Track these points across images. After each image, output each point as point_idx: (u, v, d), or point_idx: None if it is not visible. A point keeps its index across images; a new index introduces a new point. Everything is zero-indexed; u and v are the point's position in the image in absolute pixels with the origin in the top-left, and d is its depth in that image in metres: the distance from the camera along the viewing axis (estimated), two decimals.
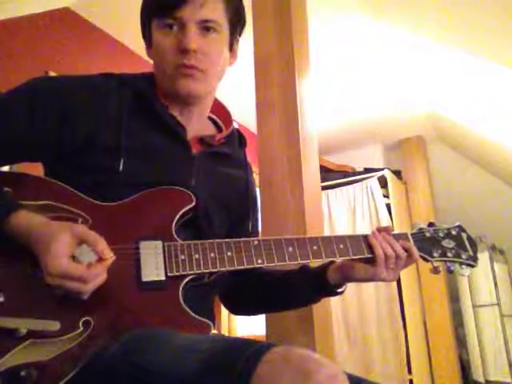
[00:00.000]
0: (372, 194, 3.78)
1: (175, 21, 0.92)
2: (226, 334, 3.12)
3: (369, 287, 3.56)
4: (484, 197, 4.03)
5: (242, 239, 0.91)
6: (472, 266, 1.08)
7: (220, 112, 1.12)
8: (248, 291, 1.12)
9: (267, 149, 1.66)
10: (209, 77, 0.96)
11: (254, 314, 1.24)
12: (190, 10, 0.91)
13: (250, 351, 0.60)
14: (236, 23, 1.01)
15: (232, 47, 1.03)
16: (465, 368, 3.72)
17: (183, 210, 0.90)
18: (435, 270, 1.04)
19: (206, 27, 0.94)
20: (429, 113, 3.90)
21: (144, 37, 1.02)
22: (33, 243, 0.77)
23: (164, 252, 0.85)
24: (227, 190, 1.04)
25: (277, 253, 0.92)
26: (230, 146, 1.08)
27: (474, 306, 3.60)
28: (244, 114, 2.82)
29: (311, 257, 0.95)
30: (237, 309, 1.18)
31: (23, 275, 0.78)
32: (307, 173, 1.58)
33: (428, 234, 1.07)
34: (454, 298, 3.85)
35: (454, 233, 1.09)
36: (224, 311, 1.18)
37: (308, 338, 1.41)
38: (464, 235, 1.10)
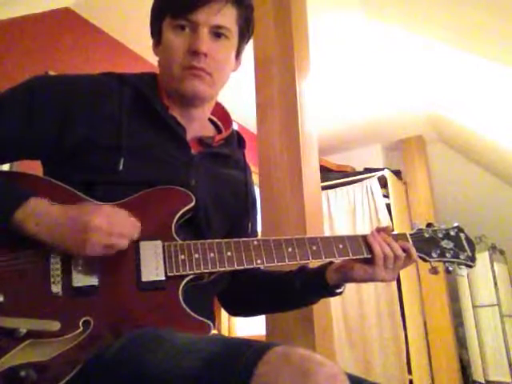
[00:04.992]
0: (372, 193, 3.78)
1: (189, 23, 0.93)
2: (226, 334, 3.12)
3: (369, 287, 3.56)
4: (484, 197, 4.03)
5: (242, 239, 0.91)
6: (470, 267, 1.08)
7: (220, 113, 1.13)
8: (247, 292, 1.12)
9: (267, 149, 1.66)
10: (215, 81, 0.98)
11: (252, 315, 1.24)
12: (205, 15, 0.92)
13: (250, 351, 0.60)
14: (245, 32, 1.02)
15: (238, 54, 1.04)
16: (465, 368, 3.72)
17: (183, 210, 0.90)
18: (434, 271, 1.04)
19: (217, 33, 0.95)
20: (429, 113, 3.90)
21: (153, 34, 1.02)
22: (60, 215, 0.79)
23: (164, 252, 0.85)
24: (226, 190, 1.04)
25: (276, 253, 0.92)
26: (229, 147, 1.08)
27: (474, 306, 3.60)
28: (244, 113, 2.83)
29: (310, 257, 0.95)
30: (235, 310, 1.17)
31: (24, 274, 0.78)
32: (307, 173, 1.58)
33: (427, 235, 1.08)
34: (454, 298, 3.85)
35: (452, 233, 1.10)
36: (224, 311, 1.18)
37: (308, 338, 1.41)
38: (462, 236, 1.10)
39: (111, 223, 0.79)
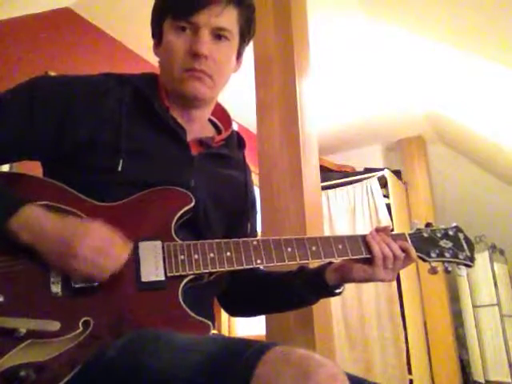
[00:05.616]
0: (372, 193, 3.78)
1: (189, 24, 0.93)
2: (226, 334, 3.12)
3: (369, 287, 3.56)
4: (484, 197, 4.03)
5: (242, 239, 0.91)
6: (469, 266, 1.08)
7: (220, 114, 1.13)
8: (246, 292, 1.12)
9: (267, 149, 1.66)
10: (216, 83, 0.98)
11: (252, 316, 1.24)
12: (206, 17, 0.92)
13: (250, 351, 0.60)
14: (246, 33, 1.02)
15: (239, 55, 1.04)
16: (465, 368, 3.72)
17: (183, 211, 0.90)
18: (433, 270, 1.04)
19: (218, 35, 0.95)
20: (428, 113, 3.90)
21: (153, 34, 1.02)
22: (53, 230, 0.78)
23: (163, 252, 0.85)
24: (226, 191, 1.04)
25: (276, 253, 0.92)
26: (229, 148, 1.08)
27: (474, 306, 3.60)
28: (244, 113, 2.82)
29: (310, 257, 0.95)
30: (235, 310, 1.17)
31: (23, 275, 0.78)
32: (307, 173, 1.58)
33: (426, 235, 1.08)
34: (454, 298, 3.85)
35: (451, 233, 1.10)
36: (224, 311, 1.18)
37: (308, 338, 1.41)
38: (461, 235, 1.10)
39: (97, 254, 0.77)
